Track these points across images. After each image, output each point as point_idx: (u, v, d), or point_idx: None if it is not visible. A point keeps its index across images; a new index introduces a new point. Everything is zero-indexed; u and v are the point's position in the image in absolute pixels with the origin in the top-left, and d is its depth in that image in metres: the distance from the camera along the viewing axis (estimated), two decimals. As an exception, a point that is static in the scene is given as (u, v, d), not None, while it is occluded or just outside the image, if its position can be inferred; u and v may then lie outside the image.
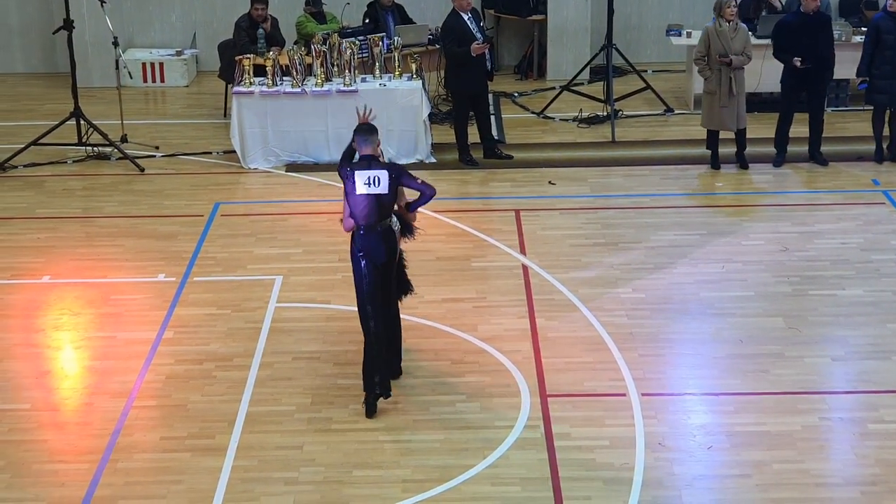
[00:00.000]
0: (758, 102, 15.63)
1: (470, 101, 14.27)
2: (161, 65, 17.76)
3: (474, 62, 14.03)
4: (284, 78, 14.34)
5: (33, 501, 8.17)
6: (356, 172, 8.97)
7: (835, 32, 14.31)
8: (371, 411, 9.06)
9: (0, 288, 11.34)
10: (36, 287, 11.36)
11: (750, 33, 14.03)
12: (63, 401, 9.48)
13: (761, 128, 14.58)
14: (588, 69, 16.72)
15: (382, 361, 9.13)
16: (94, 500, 8.18)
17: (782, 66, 13.95)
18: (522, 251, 11.90)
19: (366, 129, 9.12)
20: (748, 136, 14.04)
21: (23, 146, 14.55)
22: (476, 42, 13.93)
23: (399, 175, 9.05)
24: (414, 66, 14.47)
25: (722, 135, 13.94)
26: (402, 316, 10.26)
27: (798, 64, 13.62)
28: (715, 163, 13.98)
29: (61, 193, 13.68)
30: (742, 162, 14.00)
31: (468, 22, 14.06)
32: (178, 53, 17.91)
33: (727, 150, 14.06)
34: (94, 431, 8.98)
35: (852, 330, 10.32)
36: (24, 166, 14.39)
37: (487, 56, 14.20)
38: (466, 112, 14.35)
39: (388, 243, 9.09)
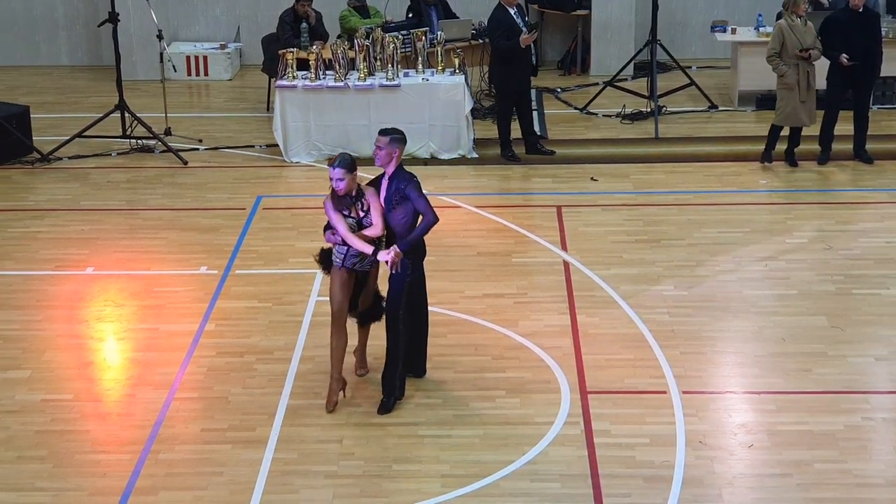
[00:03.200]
0: (803, 100, 15.54)
1: (514, 96, 14.24)
2: (205, 58, 17.84)
3: (520, 57, 13.99)
4: (327, 72, 14.36)
5: (75, 491, 8.23)
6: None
7: (882, 29, 14.18)
8: (388, 411, 9.09)
9: (44, 279, 11.43)
10: (80, 278, 11.44)
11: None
12: (105, 392, 9.54)
13: (806, 125, 14.50)
14: (632, 65, 16.65)
15: (404, 365, 9.20)
16: (136, 490, 8.23)
17: (828, 63, 13.84)
18: (564, 247, 11.88)
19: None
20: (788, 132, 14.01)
21: (68, 138, 14.66)
22: (524, 34, 13.91)
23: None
24: (457, 61, 14.45)
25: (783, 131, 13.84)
26: (443, 311, 10.30)
27: (845, 61, 13.52)
28: (769, 157, 13.86)
29: (105, 186, 13.77)
30: (792, 160, 13.90)
31: (514, 16, 14.02)
32: (222, 47, 17.99)
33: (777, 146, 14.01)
34: (136, 422, 9.03)
35: (896, 329, 10.25)
36: (69, 158, 14.50)
37: (532, 51, 14.16)
38: (510, 107, 14.32)
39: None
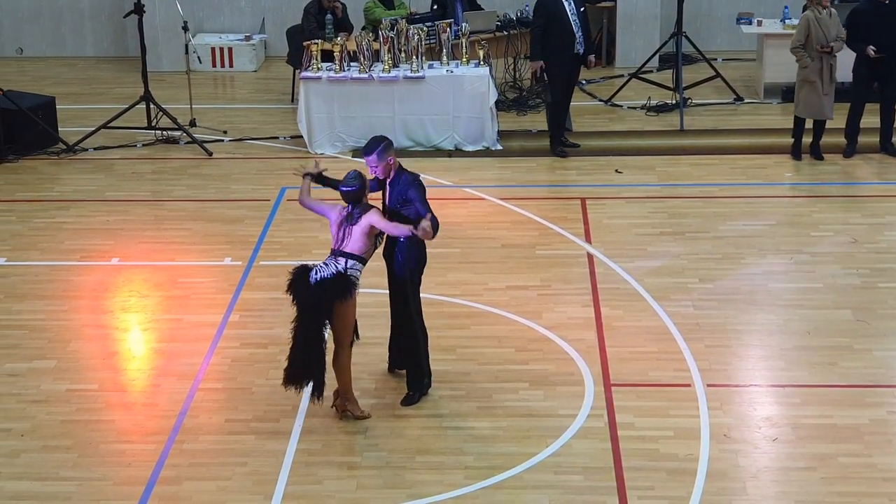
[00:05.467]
0: (829, 92, 15.46)
1: (565, 82, 14.04)
2: (230, 50, 17.87)
3: (559, 42, 13.81)
4: (352, 63, 14.37)
5: (100, 481, 8.27)
6: None
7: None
8: (412, 404, 9.12)
9: (70, 269, 11.47)
10: (105, 269, 11.49)
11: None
12: (130, 382, 9.58)
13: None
14: (657, 57, 16.60)
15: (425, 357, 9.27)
16: (160, 480, 8.26)
17: (854, 54, 13.77)
18: (588, 239, 11.86)
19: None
20: (812, 125, 13.91)
21: (93, 129, 14.71)
22: (538, 62, 13.82)
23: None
24: (481, 53, 14.43)
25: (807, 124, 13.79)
26: (466, 302, 10.27)
27: (872, 53, 13.45)
28: (798, 153, 13.81)
29: (130, 176, 13.82)
30: (817, 153, 13.83)
31: (565, 3, 13.83)
32: (247, 38, 18.01)
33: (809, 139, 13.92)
34: (161, 412, 9.07)
35: (922, 323, 10.20)
36: (95, 149, 14.55)
37: (579, 40, 13.97)
38: (561, 96, 14.11)
39: None
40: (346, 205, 8.70)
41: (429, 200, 8.84)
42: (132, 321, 10.51)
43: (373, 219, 8.59)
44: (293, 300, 8.65)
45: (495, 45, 15.59)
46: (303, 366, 8.62)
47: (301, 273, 8.65)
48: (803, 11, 13.80)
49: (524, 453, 8.47)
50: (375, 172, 8.76)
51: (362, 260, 8.64)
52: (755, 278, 11.04)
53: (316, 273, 8.58)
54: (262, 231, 12.18)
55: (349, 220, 8.64)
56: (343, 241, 8.61)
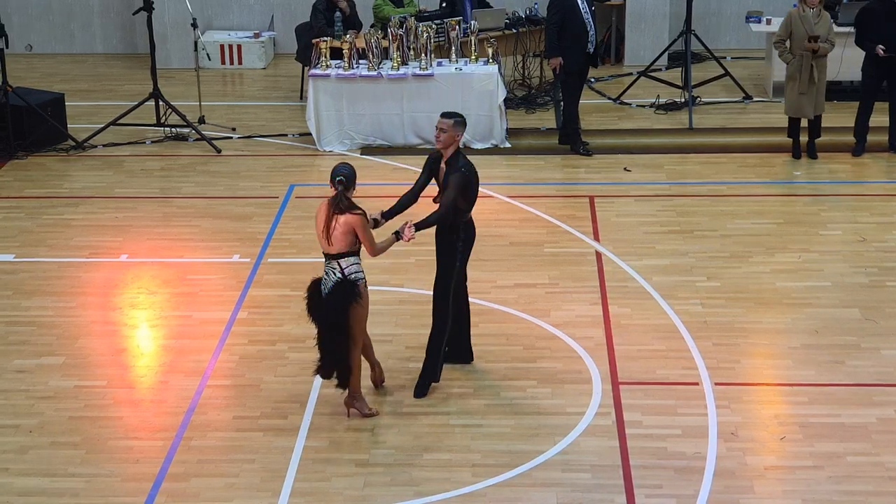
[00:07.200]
0: (838, 91, 15.42)
1: (577, 78, 14.04)
2: (239, 47, 17.89)
3: (575, 39, 13.80)
4: (361, 61, 14.37)
5: (108, 477, 8.28)
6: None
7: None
8: (424, 394, 9.14)
9: (78, 266, 11.49)
10: (113, 265, 11.50)
11: (832, 20, 13.84)
12: (138, 378, 9.59)
13: (841, 117, 14.39)
14: (666, 55, 16.59)
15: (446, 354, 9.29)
16: (168, 476, 8.27)
17: (863, 53, 13.76)
18: (596, 237, 11.85)
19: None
20: (824, 124, 13.86)
21: (102, 126, 14.72)
22: (558, 59, 13.78)
23: None
24: (490, 51, 14.42)
25: (803, 122, 13.76)
26: (475, 300, 10.28)
27: (881, 52, 13.44)
28: (796, 152, 13.81)
29: (139, 173, 13.83)
30: (811, 152, 13.80)
31: (579, 1, 13.83)
32: (256, 36, 18.03)
33: (806, 138, 13.89)
34: (169, 409, 9.08)
35: (931, 322, 10.18)
36: (104, 146, 14.56)
37: (590, 38, 13.95)
38: (574, 90, 14.09)
39: None
40: (333, 192, 8.59)
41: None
42: (140, 318, 10.53)
43: (356, 224, 8.49)
44: (312, 320, 8.72)
45: (504, 42, 15.59)
46: (333, 361, 8.68)
47: (314, 290, 8.69)
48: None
49: (532, 451, 8.47)
50: (440, 138, 8.87)
51: (354, 253, 8.58)
52: (763, 276, 11.03)
53: (324, 287, 8.62)
54: (270, 228, 12.20)
55: (335, 207, 8.50)
56: (329, 242, 8.55)
